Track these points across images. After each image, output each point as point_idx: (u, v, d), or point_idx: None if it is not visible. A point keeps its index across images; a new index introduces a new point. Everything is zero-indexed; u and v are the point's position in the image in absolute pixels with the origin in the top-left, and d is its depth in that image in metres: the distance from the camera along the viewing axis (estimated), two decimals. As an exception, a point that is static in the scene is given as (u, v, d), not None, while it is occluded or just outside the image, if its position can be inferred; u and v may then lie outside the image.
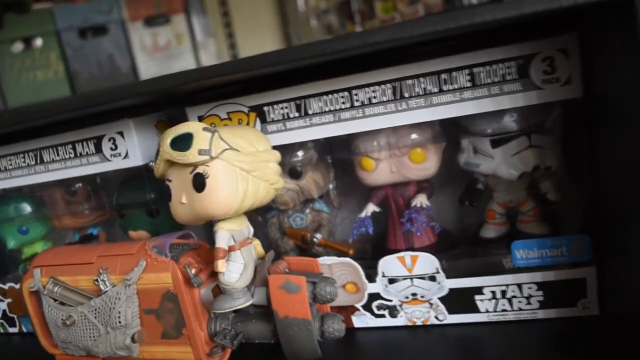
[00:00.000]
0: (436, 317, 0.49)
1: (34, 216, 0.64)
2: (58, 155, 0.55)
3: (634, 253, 0.40)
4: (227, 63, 0.42)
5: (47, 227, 0.66)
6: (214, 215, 0.42)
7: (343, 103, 0.46)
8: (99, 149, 0.54)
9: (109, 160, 0.54)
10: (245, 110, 0.48)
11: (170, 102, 0.55)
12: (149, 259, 0.46)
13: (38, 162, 0.56)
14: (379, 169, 0.50)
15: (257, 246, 0.46)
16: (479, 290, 0.47)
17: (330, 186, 0.56)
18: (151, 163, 0.46)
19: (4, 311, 0.64)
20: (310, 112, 0.47)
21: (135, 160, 0.53)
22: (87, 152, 0.54)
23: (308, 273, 0.44)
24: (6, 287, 0.63)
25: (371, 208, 0.53)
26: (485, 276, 0.47)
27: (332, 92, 0.46)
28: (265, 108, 0.48)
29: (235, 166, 0.42)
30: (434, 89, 0.43)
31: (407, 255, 0.48)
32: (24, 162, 0.57)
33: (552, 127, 0.46)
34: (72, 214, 0.62)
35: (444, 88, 0.43)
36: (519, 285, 0.46)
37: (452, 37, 0.42)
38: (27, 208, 0.63)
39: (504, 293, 0.46)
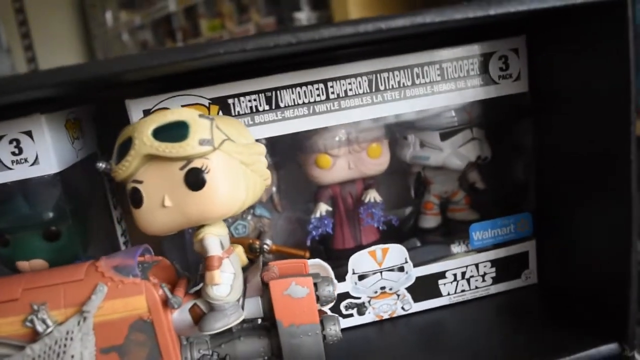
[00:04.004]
0: (402, 308, 0.50)
1: None
2: None
3: (569, 228, 0.48)
4: (181, 49, 0.37)
5: None
6: (214, 216, 0.36)
7: (318, 95, 0.44)
8: (-8, 155, 0.41)
9: (9, 169, 0.42)
10: (206, 102, 0.43)
11: (95, 93, 0.45)
12: (110, 282, 0.37)
13: None
14: (337, 166, 0.50)
15: (240, 253, 0.41)
16: (442, 274, 0.50)
17: (274, 189, 0.53)
18: (101, 164, 0.38)
19: None
20: (282, 104, 0.44)
21: (49, 166, 0.43)
22: (-28, 160, 0.41)
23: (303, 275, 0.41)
24: None
25: (324, 207, 0.51)
26: (447, 260, 0.50)
27: (306, 84, 0.44)
28: (230, 100, 0.43)
29: (235, 159, 0.37)
30: (408, 82, 0.45)
31: (378, 248, 0.48)
32: None
33: (488, 120, 0.51)
34: None
35: (417, 81, 0.45)
36: (477, 265, 0.50)
37: (422, 34, 0.45)
38: None
39: (463, 274, 0.50)
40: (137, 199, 0.36)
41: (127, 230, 0.58)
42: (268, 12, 1.31)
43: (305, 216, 0.53)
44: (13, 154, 0.42)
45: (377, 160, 0.50)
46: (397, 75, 0.45)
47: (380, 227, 0.51)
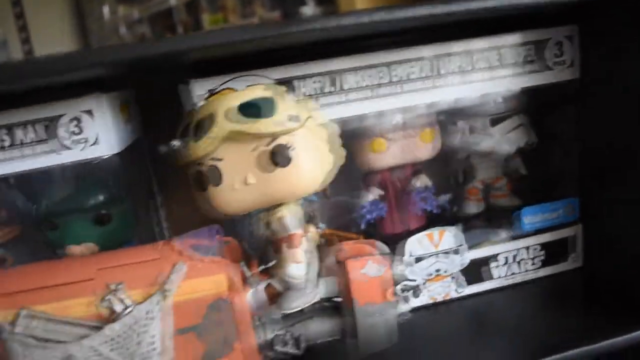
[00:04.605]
0: (456, 290, 0.50)
1: None
2: (-15, 143, 0.39)
3: (613, 213, 0.49)
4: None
5: None
6: (299, 193, 0.36)
7: (381, 78, 0.44)
8: (52, 134, 0.40)
9: (68, 149, 0.41)
10: (272, 83, 0.43)
11: (153, 74, 0.45)
12: (189, 261, 0.36)
13: (-54, 154, 0.39)
14: (391, 150, 0.50)
15: (314, 233, 0.41)
16: (494, 257, 0.50)
17: (324, 174, 0.53)
18: (176, 142, 0.37)
19: None
20: (346, 87, 0.44)
21: (109, 147, 0.42)
22: (32, 140, 0.40)
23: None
24: None
25: (377, 191, 0.52)
26: (499, 244, 0.50)
27: (370, 67, 0.44)
28: (296, 82, 0.43)
29: (316, 136, 0.37)
30: (468, 67, 0.45)
31: (435, 231, 0.48)
32: None
33: (534, 106, 0.52)
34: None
35: (477, 66, 0.46)
36: (527, 248, 0.51)
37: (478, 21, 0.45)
38: None
39: (514, 257, 0.51)
40: (216, 177, 0.36)
41: (166, 217, 0.57)
42: (273, 6, 1.30)
43: (351, 201, 0.53)
44: (73, 133, 0.41)
45: (429, 145, 0.50)
46: (457, 60, 0.45)
47: (435, 211, 0.51)
